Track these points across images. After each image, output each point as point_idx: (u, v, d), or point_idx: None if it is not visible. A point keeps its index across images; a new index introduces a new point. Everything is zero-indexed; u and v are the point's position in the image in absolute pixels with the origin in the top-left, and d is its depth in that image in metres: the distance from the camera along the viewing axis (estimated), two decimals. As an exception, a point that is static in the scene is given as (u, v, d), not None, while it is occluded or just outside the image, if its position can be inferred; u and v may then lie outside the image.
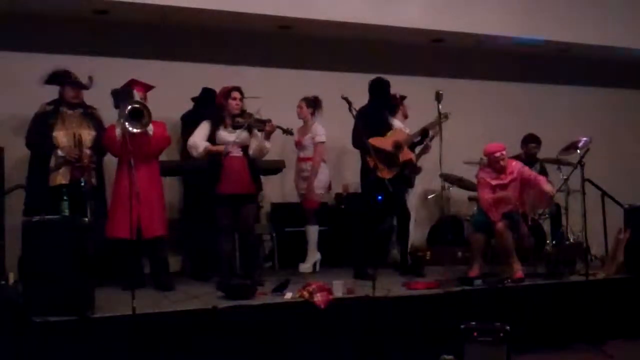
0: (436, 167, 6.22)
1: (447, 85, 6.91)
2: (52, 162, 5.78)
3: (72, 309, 4.65)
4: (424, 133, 6.93)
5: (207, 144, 5.97)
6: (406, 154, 6.62)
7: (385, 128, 6.60)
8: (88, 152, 5.86)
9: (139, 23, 7.10)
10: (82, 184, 5.69)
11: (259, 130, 6.05)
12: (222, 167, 5.95)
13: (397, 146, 6.53)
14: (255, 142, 6.05)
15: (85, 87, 6.01)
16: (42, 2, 6.55)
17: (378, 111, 6.66)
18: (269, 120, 6.03)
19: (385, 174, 6.31)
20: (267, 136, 6.05)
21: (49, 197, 5.60)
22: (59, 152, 5.77)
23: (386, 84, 6.70)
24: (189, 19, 7.13)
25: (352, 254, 6.73)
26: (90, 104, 6.10)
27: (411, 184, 7.26)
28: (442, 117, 6.60)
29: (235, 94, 6.04)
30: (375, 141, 6.37)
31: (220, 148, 5.95)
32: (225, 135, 5.99)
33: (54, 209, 5.19)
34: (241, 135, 5.98)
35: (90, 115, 6.02)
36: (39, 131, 5.85)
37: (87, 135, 5.90)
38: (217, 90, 6.39)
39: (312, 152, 6.94)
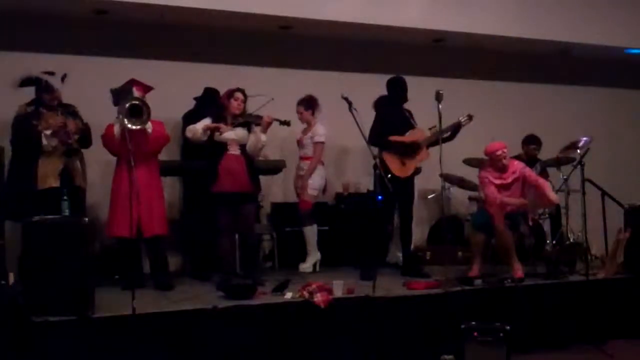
0: (436, 167, 6.21)
1: (448, 85, 6.89)
2: (44, 141, 5.67)
3: (72, 309, 4.65)
4: (455, 129, 6.70)
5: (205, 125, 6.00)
6: (424, 154, 6.62)
7: (406, 127, 6.62)
8: (72, 121, 5.80)
9: (139, 23, 7.09)
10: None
11: (256, 125, 6.07)
12: (220, 165, 5.97)
13: (416, 146, 6.54)
14: (254, 137, 6.07)
15: (55, 90, 5.87)
16: (42, 2, 6.54)
17: (398, 108, 6.66)
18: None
19: (400, 173, 6.31)
20: (265, 129, 6.08)
21: (39, 200, 5.54)
22: (47, 132, 5.67)
23: (403, 81, 6.74)
24: (189, 19, 7.12)
25: (358, 255, 6.71)
26: (89, 103, 6.07)
27: None
28: (468, 118, 6.65)
29: (238, 95, 6.07)
30: (395, 139, 6.42)
31: (219, 125, 5.98)
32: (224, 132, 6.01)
33: (45, 212, 5.12)
34: (239, 132, 6.01)
35: (72, 114, 5.94)
36: (25, 130, 5.73)
37: (72, 123, 5.83)
38: (219, 90, 6.42)
39: (311, 152, 6.94)
